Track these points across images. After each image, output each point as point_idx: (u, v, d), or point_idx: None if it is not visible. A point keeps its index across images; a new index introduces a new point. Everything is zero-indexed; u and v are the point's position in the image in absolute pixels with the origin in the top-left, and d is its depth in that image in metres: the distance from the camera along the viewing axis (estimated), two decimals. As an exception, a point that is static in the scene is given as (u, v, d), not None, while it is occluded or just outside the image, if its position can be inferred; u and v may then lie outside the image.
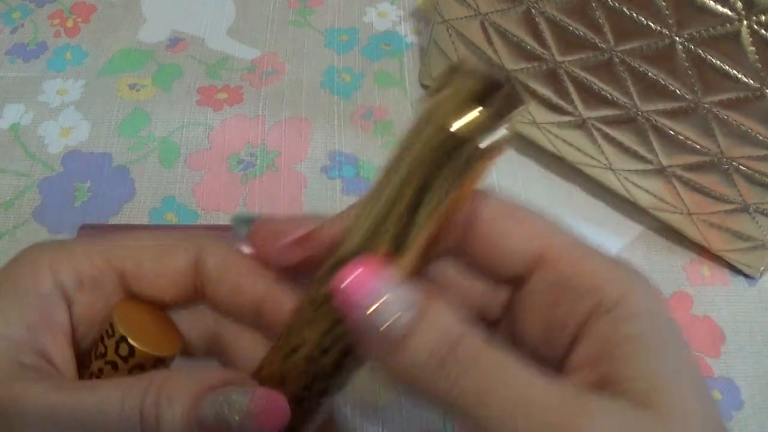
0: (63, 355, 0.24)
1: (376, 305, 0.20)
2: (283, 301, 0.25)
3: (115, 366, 0.23)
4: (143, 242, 0.25)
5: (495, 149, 0.20)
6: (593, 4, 0.32)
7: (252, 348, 0.25)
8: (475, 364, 0.19)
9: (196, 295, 0.26)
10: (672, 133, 0.34)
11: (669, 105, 0.33)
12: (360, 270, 0.20)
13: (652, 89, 0.33)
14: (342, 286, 0.20)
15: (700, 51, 0.30)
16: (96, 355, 0.24)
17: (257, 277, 0.25)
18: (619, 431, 0.19)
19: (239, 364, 0.25)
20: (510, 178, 0.43)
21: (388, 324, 0.20)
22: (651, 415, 0.19)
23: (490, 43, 0.38)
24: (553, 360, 0.22)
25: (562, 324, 0.21)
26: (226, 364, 0.26)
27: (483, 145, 0.20)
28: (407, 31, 0.50)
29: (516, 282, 0.23)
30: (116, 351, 0.23)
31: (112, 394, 0.21)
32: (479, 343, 0.20)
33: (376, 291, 0.20)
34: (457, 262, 0.24)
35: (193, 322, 0.27)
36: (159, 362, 0.24)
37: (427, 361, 0.20)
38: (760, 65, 0.29)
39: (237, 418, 0.21)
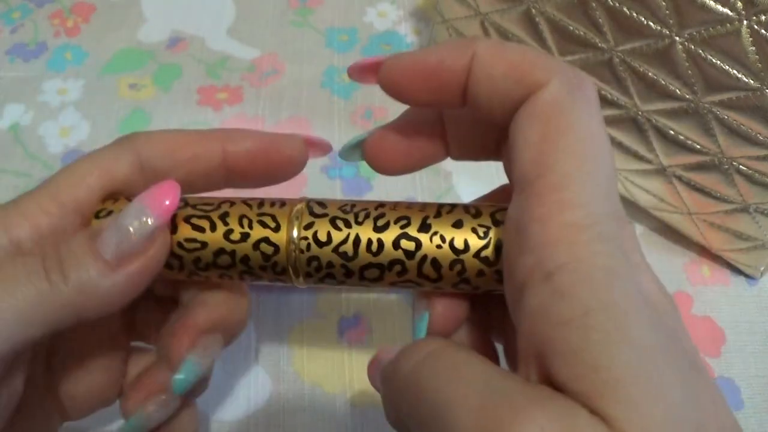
0: None
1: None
2: (239, 144, 0.25)
3: None
4: (85, 166, 0.24)
5: None
6: (593, 4, 0.32)
7: None
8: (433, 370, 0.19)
9: None
10: (672, 133, 0.34)
11: (669, 105, 0.33)
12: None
13: (652, 89, 0.33)
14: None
15: (700, 51, 0.30)
16: None
17: (206, 140, 0.25)
18: None
19: None
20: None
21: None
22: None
23: (490, 43, 0.38)
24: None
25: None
26: None
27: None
28: (407, 31, 0.50)
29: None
30: None
31: (14, 270, 0.21)
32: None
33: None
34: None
35: None
36: None
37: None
38: (760, 65, 0.29)
39: (133, 221, 0.22)
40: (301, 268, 0.23)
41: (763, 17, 0.28)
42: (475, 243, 0.22)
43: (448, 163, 0.42)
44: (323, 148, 0.27)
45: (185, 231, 0.24)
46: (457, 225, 0.22)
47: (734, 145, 0.32)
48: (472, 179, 0.42)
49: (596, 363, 0.16)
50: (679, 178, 0.36)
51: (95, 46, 0.48)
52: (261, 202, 0.24)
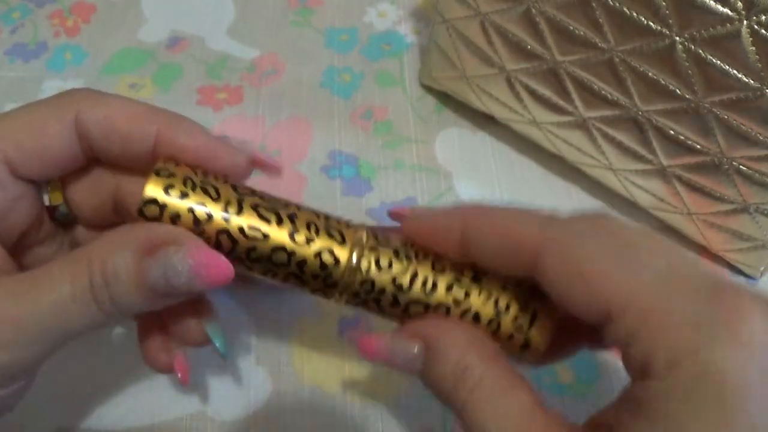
0: None
1: (387, 355, 0.24)
2: (177, 138, 0.25)
3: None
4: (18, 121, 0.24)
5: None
6: (593, 4, 0.32)
7: None
8: (471, 395, 0.23)
9: (87, 159, 0.26)
10: (672, 133, 0.34)
11: (669, 105, 0.33)
12: (371, 336, 0.25)
13: (652, 89, 0.33)
14: (362, 342, 0.25)
15: (701, 51, 0.30)
16: None
17: (145, 121, 0.25)
18: None
19: None
20: (510, 178, 0.43)
21: (400, 365, 0.24)
22: None
23: (490, 43, 0.38)
24: None
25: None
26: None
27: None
28: (407, 31, 0.50)
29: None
30: None
31: (63, 289, 0.22)
32: (476, 376, 0.23)
33: (383, 348, 0.24)
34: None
35: (92, 190, 0.27)
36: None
37: (442, 388, 0.24)
38: (760, 65, 0.29)
39: (183, 279, 0.23)
40: (351, 286, 0.24)
41: (763, 17, 0.28)
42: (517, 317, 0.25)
43: (449, 163, 0.42)
44: (272, 170, 0.27)
45: (250, 218, 0.23)
46: (503, 287, 0.25)
47: (734, 145, 0.32)
48: (471, 179, 0.42)
49: None
50: (679, 178, 0.36)
51: (95, 46, 0.48)
52: (327, 216, 0.25)
